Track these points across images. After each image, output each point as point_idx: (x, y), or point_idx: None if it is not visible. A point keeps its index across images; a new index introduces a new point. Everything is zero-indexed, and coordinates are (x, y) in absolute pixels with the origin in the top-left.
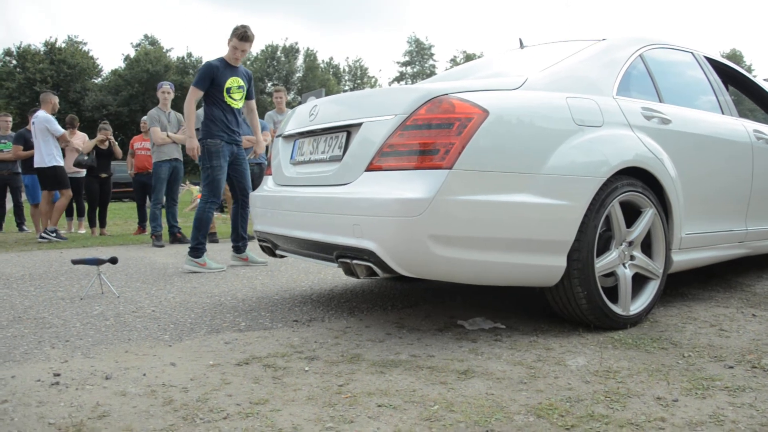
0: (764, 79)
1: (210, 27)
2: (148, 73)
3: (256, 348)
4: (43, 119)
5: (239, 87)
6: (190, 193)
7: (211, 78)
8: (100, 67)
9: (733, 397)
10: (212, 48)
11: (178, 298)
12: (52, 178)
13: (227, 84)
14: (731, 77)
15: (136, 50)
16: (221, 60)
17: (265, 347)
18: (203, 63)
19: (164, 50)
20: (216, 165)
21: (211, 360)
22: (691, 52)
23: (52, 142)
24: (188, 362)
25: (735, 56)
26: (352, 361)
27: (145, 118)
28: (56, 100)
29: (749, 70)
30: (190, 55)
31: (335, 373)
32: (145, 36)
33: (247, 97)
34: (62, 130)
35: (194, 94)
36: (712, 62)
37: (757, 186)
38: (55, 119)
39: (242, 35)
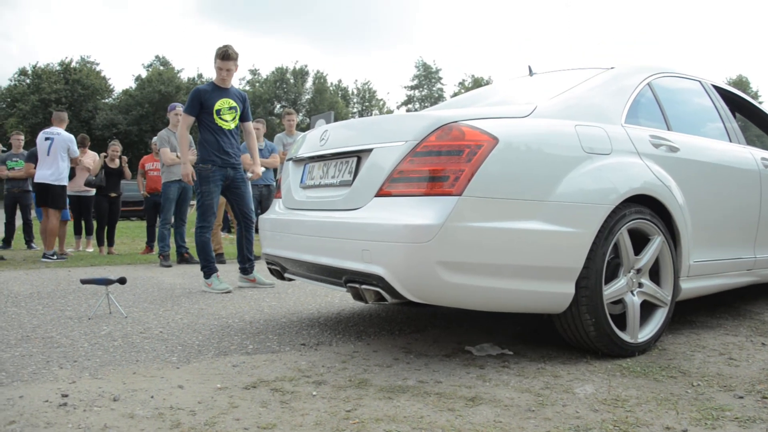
0: None
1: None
2: (159, 94)
3: (264, 371)
4: (67, 139)
5: (230, 108)
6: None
7: (200, 102)
8: (111, 87)
9: (743, 428)
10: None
11: (186, 319)
12: (59, 196)
13: (216, 106)
14: (738, 105)
15: (148, 71)
16: (210, 83)
17: (273, 371)
18: (193, 89)
19: (175, 71)
20: (206, 190)
21: (219, 383)
22: (699, 81)
23: (67, 162)
24: (196, 385)
25: (741, 83)
26: (359, 386)
27: (155, 139)
28: (67, 118)
29: (755, 96)
30: (200, 76)
31: (343, 398)
32: (157, 57)
33: (243, 119)
34: (78, 153)
35: (186, 121)
36: (720, 90)
37: (765, 213)
38: None
39: (223, 54)
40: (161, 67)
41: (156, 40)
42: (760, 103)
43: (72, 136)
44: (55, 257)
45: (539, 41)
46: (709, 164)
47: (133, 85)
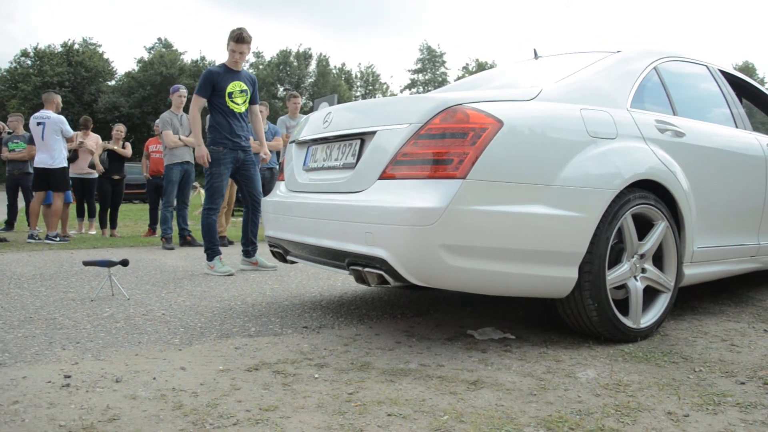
0: None
1: (224, 31)
2: (161, 76)
3: (266, 354)
4: (57, 120)
5: (242, 91)
6: (201, 196)
7: (212, 84)
8: (114, 69)
9: (744, 413)
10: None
11: (188, 301)
12: (60, 178)
13: (228, 89)
14: (745, 90)
15: (150, 53)
16: (222, 66)
17: (275, 353)
18: (205, 70)
19: (178, 53)
20: (215, 172)
21: (221, 365)
22: (706, 65)
23: (63, 143)
24: (198, 367)
25: (748, 68)
26: (361, 369)
27: (157, 121)
28: (59, 99)
29: (762, 82)
30: (203, 58)
31: (345, 380)
32: (159, 39)
33: (252, 102)
34: (72, 132)
35: (197, 102)
36: (726, 75)
37: None
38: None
39: (238, 37)
40: (164, 50)
41: (159, 22)
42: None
43: (62, 117)
44: (58, 239)
45: (539, 40)
46: (714, 150)
47: (136, 68)
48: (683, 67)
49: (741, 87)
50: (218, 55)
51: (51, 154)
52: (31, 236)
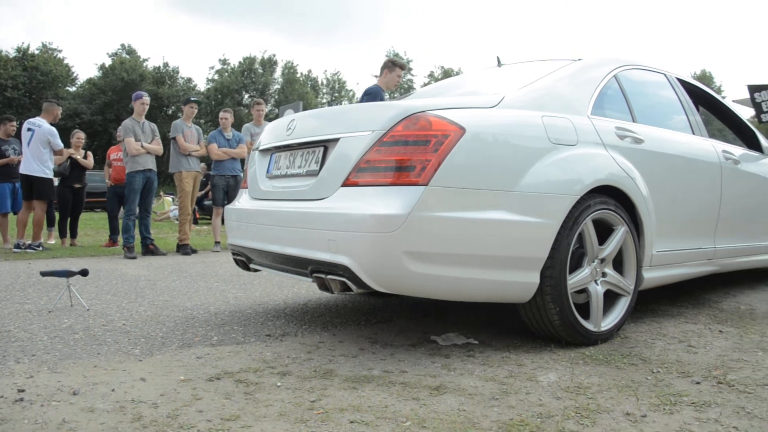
0: (733, 101)
1: (188, 38)
2: (123, 81)
3: (228, 363)
4: (48, 131)
5: None
6: (165, 204)
7: None
8: (74, 75)
9: (699, 412)
10: (190, 59)
11: (150, 311)
12: (49, 188)
13: None
14: (702, 98)
15: (112, 59)
16: None
17: (238, 362)
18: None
19: (140, 59)
20: None
21: (182, 375)
22: (664, 74)
23: (49, 153)
24: (159, 377)
25: (705, 77)
26: (324, 376)
27: (119, 128)
28: (59, 111)
29: (719, 91)
30: (166, 65)
31: (308, 388)
32: (122, 45)
33: None
34: (62, 146)
35: None
36: (684, 83)
37: (725, 205)
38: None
39: None
40: (126, 56)
41: (123, 29)
42: (724, 97)
43: (53, 129)
44: (40, 248)
45: (522, 44)
46: (672, 156)
47: (98, 74)
48: (642, 75)
49: (698, 95)
50: (181, 62)
51: (36, 163)
52: (17, 246)
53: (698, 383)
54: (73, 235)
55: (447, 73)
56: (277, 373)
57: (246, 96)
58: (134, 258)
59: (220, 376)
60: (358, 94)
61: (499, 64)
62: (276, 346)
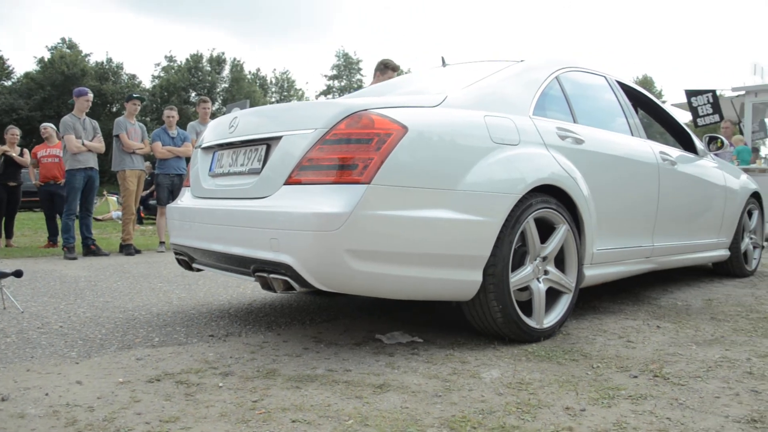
0: (672, 105)
1: (132, 34)
2: (63, 76)
3: (169, 364)
4: None
5: None
6: (108, 203)
7: None
8: (10, 68)
9: (635, 405)
10: (134, 55)
11: (89, 313)
12: None
13: None
14: (641, 101)
15: (52, 53)
16: None
17: (179, 363)
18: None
19: (82, 54)
20: None
21: (121, 377)
22: (604, 76)
23: None
24: (96, 380)
25: (646, 82)
26: (267, 376)
27: (45, 125)
28: None
29: (660, 95)
30: (110, 60)
31: (250, 388)
32: (62, 40)
33: None
34: None
35: None
36: (624, 86)
37: (662, 204)
38: None
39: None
40: (67, 50)
41: (64, 23)
42: (664, 101)
43: None
44: None
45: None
46: (611, 156)
47: (36, 68)
48: (583, 77)
49: (637, 98)
50: (126, 58)
51: None
52: None
53: (635, 377)
54: (9, 235)
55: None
56: (220, 374)
57: (193, 94)
58: (75, 259)
59: (160, 378)
60: (308, 93)
61: (444, 64)
62: (219, 347)
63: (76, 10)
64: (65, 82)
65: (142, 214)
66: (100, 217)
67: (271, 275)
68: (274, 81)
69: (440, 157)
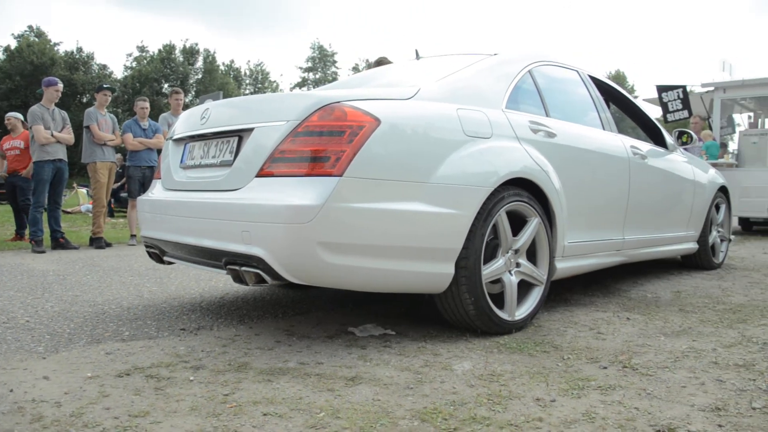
0: (644, 100)
1: (103, 22)
2: (32, 65)
3: (139, 358)
4: None
5: None
6: (78, 196)
7: None
8: None
9: (604, 395)
10: (106, 45)
11: (57, 307)
12: None
13: None
14: (613, 96)
15: (18, 41)
16: None
17: (149, 357)
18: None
19: (51, 43)
20: None
21: (90, 372)
22: (577, 70)
23: None
24: (64, 375)
25: (619, 77)
26: (239, 369)
27: (10, 114)
28: None
29: (632, 90)
30: (80, 50)
31: (221, 382)
32: (30, 27)
33: None
34: None
35: None
36: (596, 81)
37: (633, 198)
38: None
39: None
40: (35, 38)
41: (31, 10)
42: (635, 97)
43: None
44: None
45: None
46: (583, 150)
47: (2, 57)
48: (556, 71)
49: (609, 92)
50: (96, 47)
51: None
52: None
53: (605, 368)
54: None
55: (371, 67)
56: (190, 368)
57: (166, 85)
58: (43, 252)
59: (130, 372)
60: (282, 86)
61: (418, 56)
62: (190, 340)
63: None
64: (34, 71)
65: (113, 207)
66: (69, 209)
67: (243, 268)
68: (248, 73)
69: (413, 149)
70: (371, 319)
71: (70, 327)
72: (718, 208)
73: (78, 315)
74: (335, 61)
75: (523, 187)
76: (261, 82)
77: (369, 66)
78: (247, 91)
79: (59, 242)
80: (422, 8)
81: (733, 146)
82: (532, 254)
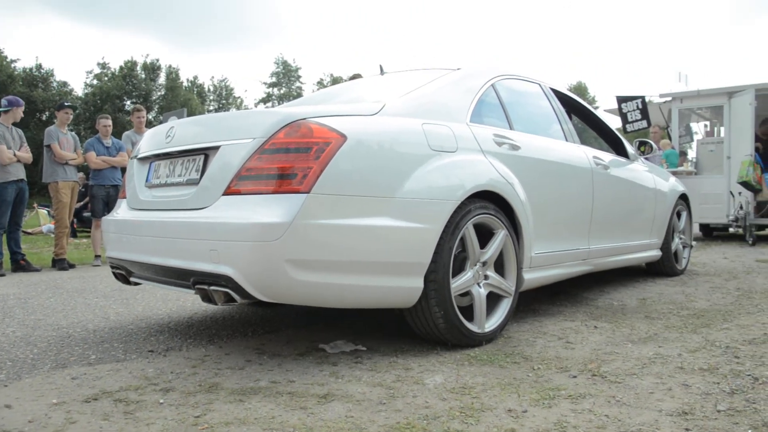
0: (604, 110)
1: (63, 40)
2: None
3: (107, 382)
4: None
5: None
6: (39, 216)
7: None
8: None
9: (575, 404)
10: (65, 62)
11: (19, 332)
12: None
13: None
14: (574, 108)
15: None
16: None
17: (117, 381)
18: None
19: (8, 60)
20: None
21: (55, 398)
22: (539, 84)
23: None
24: (27, 403)
25: (581, 88)
26: (210, 390)
27: None
28: None
29: (593, 101)
30: (39, 66)
31: (192, 404)
32: None
33: None
34: None
35: None
36: (557, 93)
37: (597, 208)
38: None
39: None
40: None
41: None
42: (596, 107)
43: None
44: None
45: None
46: (547, 162)
47: None
48: (518, 84)
49: (570, 105)
50: (56, 64)
51: None
52: None
53: (575, 377)
54: None
55: (336, 81)
56: (160, 390)
57: (128, 102)
58: (2, 275)
59: (97, 397)
60: (247, 101)
61: (382, 72)
62: (159, 362)
63: (4, 14)
64: None
65: (76, 227)
66: (29, 230)
67: (212, 287)
68: (212, 89)
69: (379, 165)
70: (342, 335)
71: (34, 352)
72: (679, 215)
73: (41, 339)
74: (299, 76)
75: (490, 199)
76: (225, 98)
77: (337, 83)
78: (211, 107)
79: (20, 264)
80: (422, 8)
81: (692, 154)
82: (499, 266)
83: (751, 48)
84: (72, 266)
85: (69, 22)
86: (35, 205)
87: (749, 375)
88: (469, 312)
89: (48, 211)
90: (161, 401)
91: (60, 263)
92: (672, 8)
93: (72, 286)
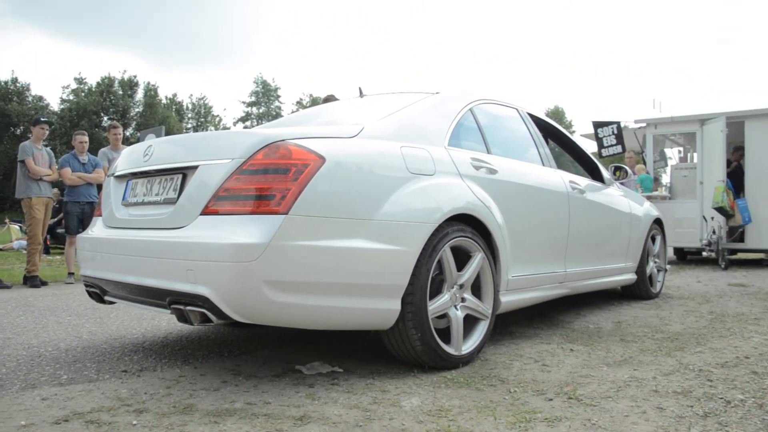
0: (581, 135)
1: (39, 55)
2: None
3: (79, 403)
4: None
5: None
6: (10, 231)
7: None
8: None
9: (551, 427)
10: (41, 77)
11: None
12: None
13: None
14: (551, 132)
15: None
16: None
17: (89, 401)
18: None
19: None
20: None
21: (23, 420)
22: (516, 108)
23: None
24: None
25: (558, 113)
26: (184, 411)
27: None
28: None
29: (569, 126)
30: (15, 80)
31: (166, 425)
32: None
33: None
34: None
35: None
36: (534, 118)
37: (573, 231)
38: None
39: None
40: None
41: None
42: (573, 132)
43: None
44: None
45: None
46: (524, 186)
47: None
48: (496, 109)
49: (547, 129)
50: (33, 78)
51: None
52: None
53: (551, 400)
54: None
55: (316, 101)
56: (133, 411)
57: (105, 118)
58: None
59: (68, 418)
60: (225, 120)
61: (361, 94)
62: (133, 383)
63: None
64: None
65: (49, 243)
66: (0, 246)
67: (188, 307)
68: (190, 107)
69: (358, 187)
70: (318, 356)
71: (2, 372)
72: (654, 239)
73: (10, 359)
74: (279, 96)
75: (467, 222)
76: (204, 116)
77: (316, 104)
78: (190, 126)
79: None
80: (422, 8)
81: (666, 179)
82: (477, 289)
83: (725, 76)
84: (44, 284)
85: (47, 38)
86: (7, 220)
87: (722, 398)
88: (446, 334)
89: (20, 227)
90: (134, 423)
91: (32, 280)
92: (648, 37)
93: (44, 304)
